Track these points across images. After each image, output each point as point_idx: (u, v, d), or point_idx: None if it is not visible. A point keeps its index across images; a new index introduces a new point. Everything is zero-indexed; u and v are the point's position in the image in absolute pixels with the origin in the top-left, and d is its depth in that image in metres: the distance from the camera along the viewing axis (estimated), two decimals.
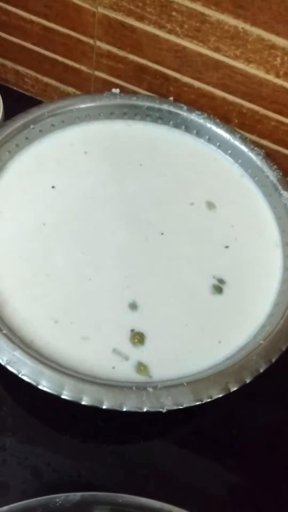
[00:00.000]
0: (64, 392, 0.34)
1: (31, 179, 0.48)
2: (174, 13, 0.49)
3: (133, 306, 0.41)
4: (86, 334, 0.39)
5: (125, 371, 0.38)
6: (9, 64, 0.63)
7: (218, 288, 0.43)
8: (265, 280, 0.44)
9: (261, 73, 0.50)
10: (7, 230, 0.44)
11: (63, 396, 0.34)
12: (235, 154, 0.52)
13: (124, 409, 0.34)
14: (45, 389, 0.35)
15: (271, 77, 0.50)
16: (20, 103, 0.61)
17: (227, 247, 0.46)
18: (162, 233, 0.46)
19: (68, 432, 0.40)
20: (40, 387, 0.35)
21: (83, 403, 0.34)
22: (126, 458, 0.40)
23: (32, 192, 0.47)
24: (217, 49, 0.51)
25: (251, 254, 0.46)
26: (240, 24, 0.47)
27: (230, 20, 0.47)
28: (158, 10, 0.50)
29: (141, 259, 0.44)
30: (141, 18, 0.51)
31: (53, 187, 0.47)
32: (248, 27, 0.47)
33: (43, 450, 0.39)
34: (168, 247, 0.45)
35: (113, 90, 0.53)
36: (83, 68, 0.59)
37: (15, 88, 0.66)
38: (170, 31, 0.51)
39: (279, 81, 0.50)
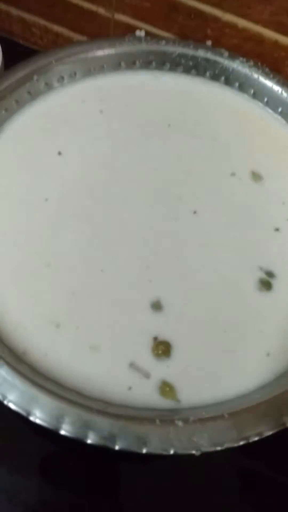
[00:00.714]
0: (64, 427, 0.26)
1: (32, 144, 0.38)
2: None
3: (157, 306, 0.32)
4: (96, 343, 0.31)
5: (145, 393, 0.29)
6: (14, 11, 0.54)
7: (266, 283, 0.34)
8: None
9: None
10: None
11: (62, 432, 0.26)
12: None
13: (144, 451, 0.26)
14: (38, 421, 0.26)
15: None
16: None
17: (277, 229, 0.36)
18: (195, 212, 0.36)
19: (70, 462, 0.32)
20: (31, 418, 0.26)
21: (89, 441, 0.26)
22: (139, 496, 0.31)
23: (33, 159, 0.37)
24: None
25: None
26: None
27: None
28: None
29: (168, 245, 0.34)
30: None
31: (59, 153, 0.38)
32: None
33: (39, 483, 0.30)
34: (203, 229, 0.36)
35: (137, 32, 0.43)
36: (100, 10, 0.49)
37: (21, 42, 0.57)
38: None
39: None
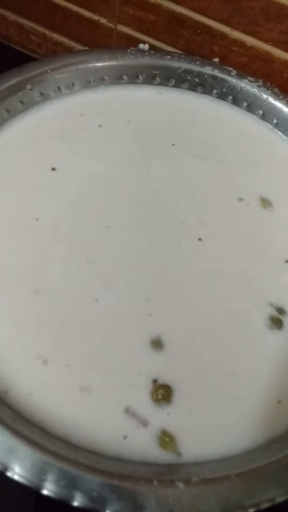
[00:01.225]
0: (47, 485, 0.22)
1: (23, 157, 0.35)
2: None
3: (157, 344, 0.29)
4: (88, 383, 0.27)
5: (142, 444, 0.26)
6: (10, 16, 0.52)
7: (277, 321, 0.31)
8: None
9: None
10: None
11: (44, 492, 0.22)
12: None
13: None
14: (16, 477, 0.23)
15: None
16: None
17: None
18: (200, 239, 0.34)
19: None
20: (9, 474, 0.23)
21: (75, 504, 0.22)
22: None
23: (24, 174, 0.35)
24: None
25: None
26: None
27: None
28: None
29: (170, 275, 0.32)
30: None
31: (53, 169, 0.35)
32: None
33: None
34: (208, 258, 0.33)
35: (141, 45, 0.41)
36: (102, 20, 0.47)
37: (18, 49, 0.54)
38: None
39: None
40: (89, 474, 0.23)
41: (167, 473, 0.24)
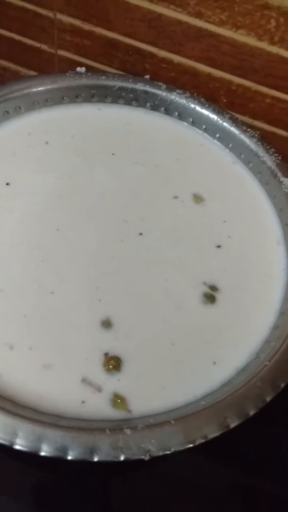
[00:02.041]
0: (18, 441, 0.28)
1: None
2: None
3: (107, 324, 0.35)
4: (49, 362, 0.33)
5: (98, 406, 0.32)
6: None
7: (210, 297, 0.37)
8: (266, 285, 0.38)
9: (252, 41, 0.44)
10: None
11: (16, 447, 0.28)
12: (225, 138, 0.46)
13: (95, 459, 0.28)
14: None
15: (264, 45, 0.44)
16: None
17: (219, 246, 0.40)
18: (140, 233, 0.40)
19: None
20: None
21: (42, 453, 0.28)
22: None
23: None
24: (198, 15, 0.45)
25: (249, 254, 0.40)
26: None
27: None
28: None
29: (116, 266, 0.37)
30: None
31: (7, 184, 0.41)
32: None
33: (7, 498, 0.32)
34: (148, 249, 0.39)
35: (78, 69, 0.47)
36: (44, 47, 0.53)
37: None
38: None
39: (274, 49, 0.44)
40: (52, 429, 0.28)
41: (118, 425, 0.30)
